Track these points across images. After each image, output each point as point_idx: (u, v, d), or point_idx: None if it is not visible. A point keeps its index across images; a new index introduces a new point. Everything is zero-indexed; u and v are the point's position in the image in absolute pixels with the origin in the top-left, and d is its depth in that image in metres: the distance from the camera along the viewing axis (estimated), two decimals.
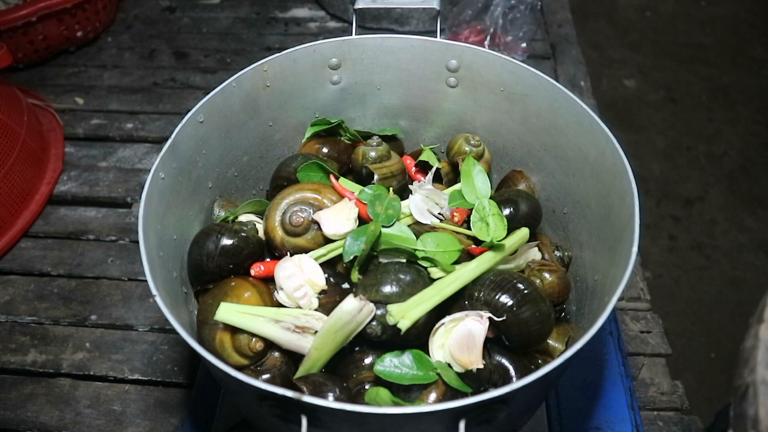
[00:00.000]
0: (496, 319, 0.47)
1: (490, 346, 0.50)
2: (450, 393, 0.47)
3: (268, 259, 0.58)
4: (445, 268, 0.51)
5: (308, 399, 0.35)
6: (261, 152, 0.66)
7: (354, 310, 0.46)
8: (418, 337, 0.48)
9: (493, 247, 0.53)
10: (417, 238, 0.53)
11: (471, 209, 0.58)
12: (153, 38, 1.19)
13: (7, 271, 0.81)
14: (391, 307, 0.46)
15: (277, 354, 0.51)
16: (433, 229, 0.55)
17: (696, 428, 0.66)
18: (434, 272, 0.51)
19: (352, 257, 0.51)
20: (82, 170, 0.94)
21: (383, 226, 0.53)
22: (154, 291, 0.43)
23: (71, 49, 1.13)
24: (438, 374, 0.47)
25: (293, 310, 0.50)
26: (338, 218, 0.54)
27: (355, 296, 0.47)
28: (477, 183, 0.58)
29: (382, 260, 0.51)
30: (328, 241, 0.54)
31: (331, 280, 0.52)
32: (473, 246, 0.55)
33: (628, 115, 2.01)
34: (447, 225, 0.56)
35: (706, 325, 1.50)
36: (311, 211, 0.55)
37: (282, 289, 0.51)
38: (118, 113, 1.03)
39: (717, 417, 0.89)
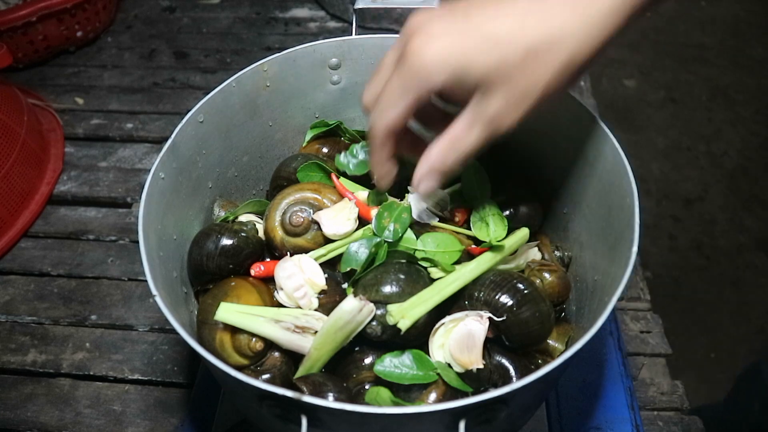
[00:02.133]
0: (496, 319, 0.47)
1: (490, 346, 0.50)
2: (450, 393, 0.47)
3: (268, 259, 0.58)
4: (445, 268, 0.51)
5: (308, 399, 0.35)
6: (261, 152, 0.66)
7: (354, 310, 0.46)
8: (418, 337, 0.48)
9: (493, 247, 0.53)
10: (417, 238, 0.53)
11: (471, 209, 0.58)
12: (153, 38, 1.19)
13: (7, 271, 0.81)
14: (391, 307, 0.46)
15: (277, 354, 0.51)
16: (433, 229, 0.55)
17: (696, 428, 0.66)
18: (434, 272, 0.51)
19: (348, 269, 0.51)
20: (82, 170, 0.94)
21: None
22: (154, 291, 0.43)
23: (71, 49, 1.13)
24: (438, 374, 0.47)
25: (293, 310, 0.50)
26: (338, 218, 0.54)
27: (355, 296, 0.47)
28: (477, 183, 0.58)
29: None
30: (328, 241, 0.55)
31: (331, 280, 0.52)
32: (473, 246, 0.55)
33: (628, 115, 2.01)
34: (447, 225, 0.56)
35: (706, 325, 1.50)
36: (311, 211, 0.55)
37: (282, 289, 0.51)
38: (118, 113, 1.03)
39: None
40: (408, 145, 0.51)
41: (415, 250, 0.51)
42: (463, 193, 0.58)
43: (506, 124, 0.42)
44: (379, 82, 0.45)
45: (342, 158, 0.60)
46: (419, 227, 0.55)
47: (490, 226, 0.54)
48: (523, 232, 0.55)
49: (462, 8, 0.41)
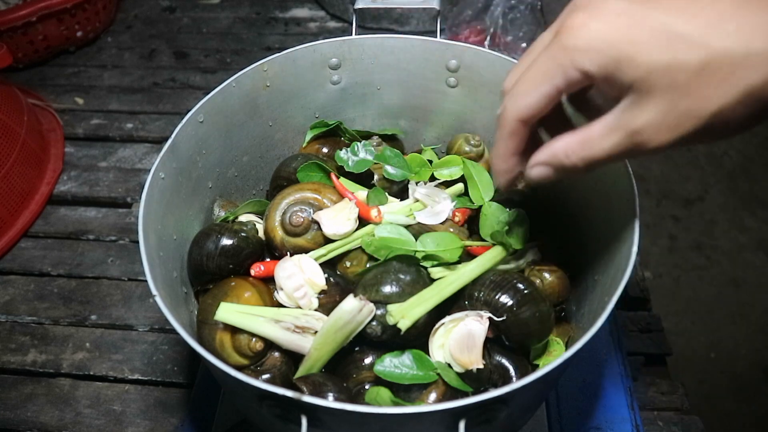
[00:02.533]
0: (496, 319, 0.47)
1: (490, 346, 0.50)
2: (450, 393, 0.47)
3: (268, 259, 0.58)
4: (448, 261, 0.51)
5: (308, 399, 0.35)
6: (261, 152, 0.66)
7: (354, 310, 0.46)
8: (418, 337, 0.48)
9: (494, 247, 0.53)
10: (417, 239, 0.53)
11: (472, 210, 0.58)
12: (153, 38, 1.19)
13: (7, 271, 0.81)
14: (391, 307, 0.46)
15: (277, 354, 0.51)
16: (431, 229, 0.55)
17: (696, 428, 0.66)
18: (434, 272, 0.51)
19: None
20: (82, 170, 0.94)
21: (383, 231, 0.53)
22: (154, 291, 0.43)
23: (71, 49, 1.13)
24: (438, 374, 0.47)
25: (293, 310, 0.50)
26: (338, 218, 0.54)
27: (355, 296, 0.47)
28: (482, 185, 0.58)
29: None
30: (328, 241, 0.55)
31: (331, 280, 0.52)
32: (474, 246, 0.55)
33: None
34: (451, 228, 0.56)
35: (706, 325, 1.50)
36: (311, 211, 0.55)
37: (282, 289, 0.51)
38: (118, 113, 1.03)
39: None
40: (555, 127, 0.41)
41: (415, 251, 0.52)
42: (471, 195, 0.58)
43: (652, 145, 0.33)
44: (525, 62, 0.38)
45: (342, 154, 0.60)
46: (420, 227, 0.56)
47: (513, 234, 0.54)
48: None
49: None
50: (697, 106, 0.31)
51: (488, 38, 1.05)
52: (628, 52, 0.32)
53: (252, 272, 0.54)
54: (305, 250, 0.54)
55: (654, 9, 0.32)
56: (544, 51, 0.35)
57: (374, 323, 0.47)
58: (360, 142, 0.62)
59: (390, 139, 0.68)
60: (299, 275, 0.51)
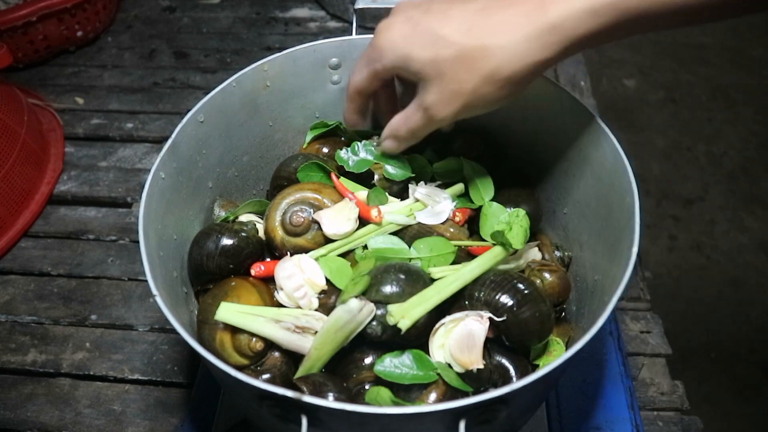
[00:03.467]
0: (496, 319, 0.47)
1: (490, 346, 0.50)
2: (450, 393, 0.47)
3: (268, 259, 0.58)
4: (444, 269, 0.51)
5: (308, 399, 0.35)
6: (261, 152, 0.66)
7: (354, 310, 0.46)
8: (418, 337, 0.48)
9: (494, 247, 0.53)
10: (415, 240, 0.53)
11: (472, 210, 0.58)
12: (153, 38, 1.19)
13: (7, 271, 0.81)
14: (391, 307, 0.46)
15: (277, 354, 0.51)
16: (429, 233, 0.55)
17: (696, 428, 0.66)
18: (434, 272, 0.51)
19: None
20: (82, 170, 0.94)
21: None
22: (154, 291, 0.43)
23: (71, 49, 1.13)
24: (438, 374, 0.47)
25: (293, 310, 0.50)
26: (338, 218, 0.54)
27: (356, 296, 0.47)
28: (482, 185, 0.58)
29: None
30: (328, 241, 0.55)
31: None
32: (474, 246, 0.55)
33: (628, 115, 2.01)
34: (452, 232, 0.55)
35: (706, 325, 1.50)
36: (311, 211, 0.55)
37: (282, 289, 0.51)
38: (118, 113, 1.03)
39: None
40: (384, 103, 0.58)
41: (410, 259, 0.52)
42: (471, 195, 0.58)
43: (440, 116, 0.46)
44: None
45: (342, 154, 0.60)
46: (420, 228, 0.56)
47: (514, 233, 0.54)
48: None
49: (429, 3, 0.45)
50: (459, 88, 0.44)
51: None
52: (408, 52, 0.45)
53: (252, 272, 0.54)
54: (305, 250, 0.54)
55: (427, 16, 0.44)
56: (369, 45, 0.48)
57: (374, 323, 0.47)
58: (360, 142, 0.62)
59: None
60: (299, 275, 0.51)
